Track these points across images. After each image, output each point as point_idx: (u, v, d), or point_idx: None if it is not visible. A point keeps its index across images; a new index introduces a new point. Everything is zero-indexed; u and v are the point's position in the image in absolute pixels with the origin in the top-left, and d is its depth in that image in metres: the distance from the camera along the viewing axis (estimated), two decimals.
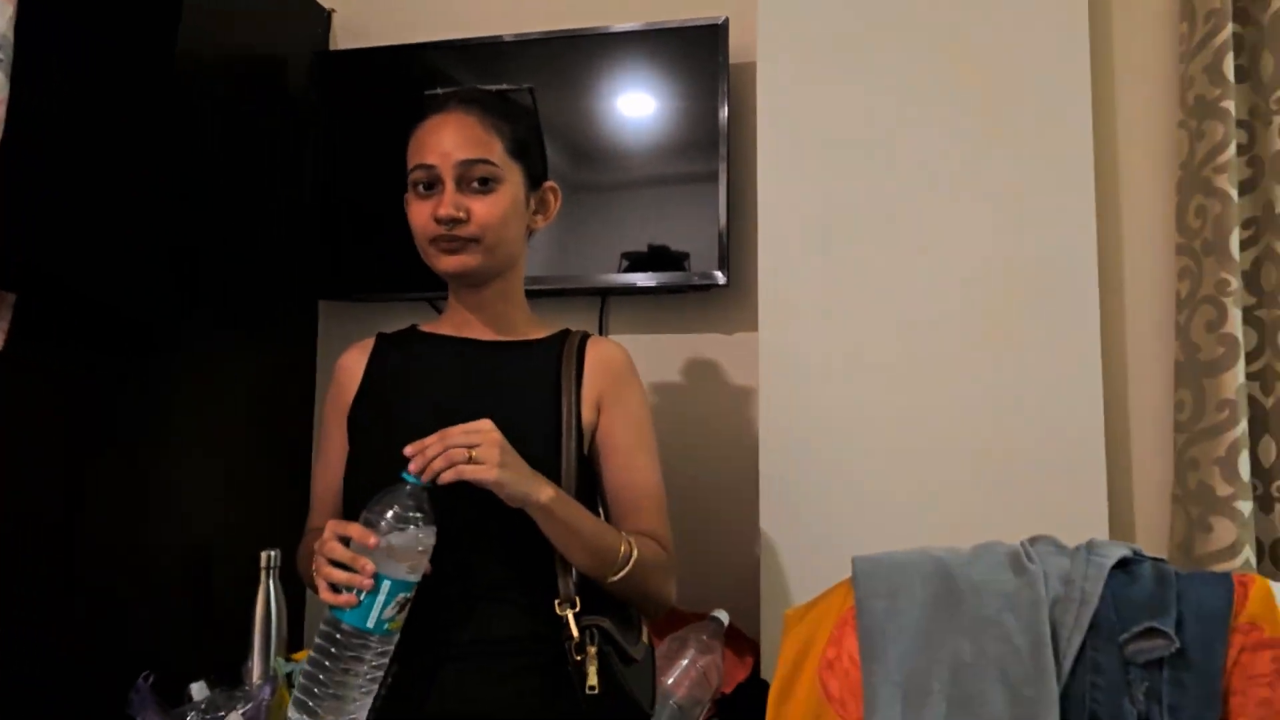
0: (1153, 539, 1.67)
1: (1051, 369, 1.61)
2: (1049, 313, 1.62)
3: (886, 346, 1.66)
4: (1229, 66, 1.62)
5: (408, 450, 1.10)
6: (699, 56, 1.86)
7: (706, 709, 1.52)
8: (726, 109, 1.83)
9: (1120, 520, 1.68)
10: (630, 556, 1.21)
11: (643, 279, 1.86)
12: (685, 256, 1.84)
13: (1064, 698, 1.07)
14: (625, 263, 1.88)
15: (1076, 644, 1.08)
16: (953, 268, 1.65)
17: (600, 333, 1.94)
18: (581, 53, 1.92)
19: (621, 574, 1.20)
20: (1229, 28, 1.62)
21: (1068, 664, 1.08)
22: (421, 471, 1.09)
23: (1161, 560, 1.18)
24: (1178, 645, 1.07)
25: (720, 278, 1.81)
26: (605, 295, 1.96)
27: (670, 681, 1.50)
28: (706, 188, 1.83)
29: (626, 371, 1.34)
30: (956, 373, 1.63)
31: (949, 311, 1.64)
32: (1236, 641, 1.07)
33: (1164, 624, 1.07)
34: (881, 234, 1.68)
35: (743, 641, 1.67)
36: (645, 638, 1.32)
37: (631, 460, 1.31)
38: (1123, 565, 1.15)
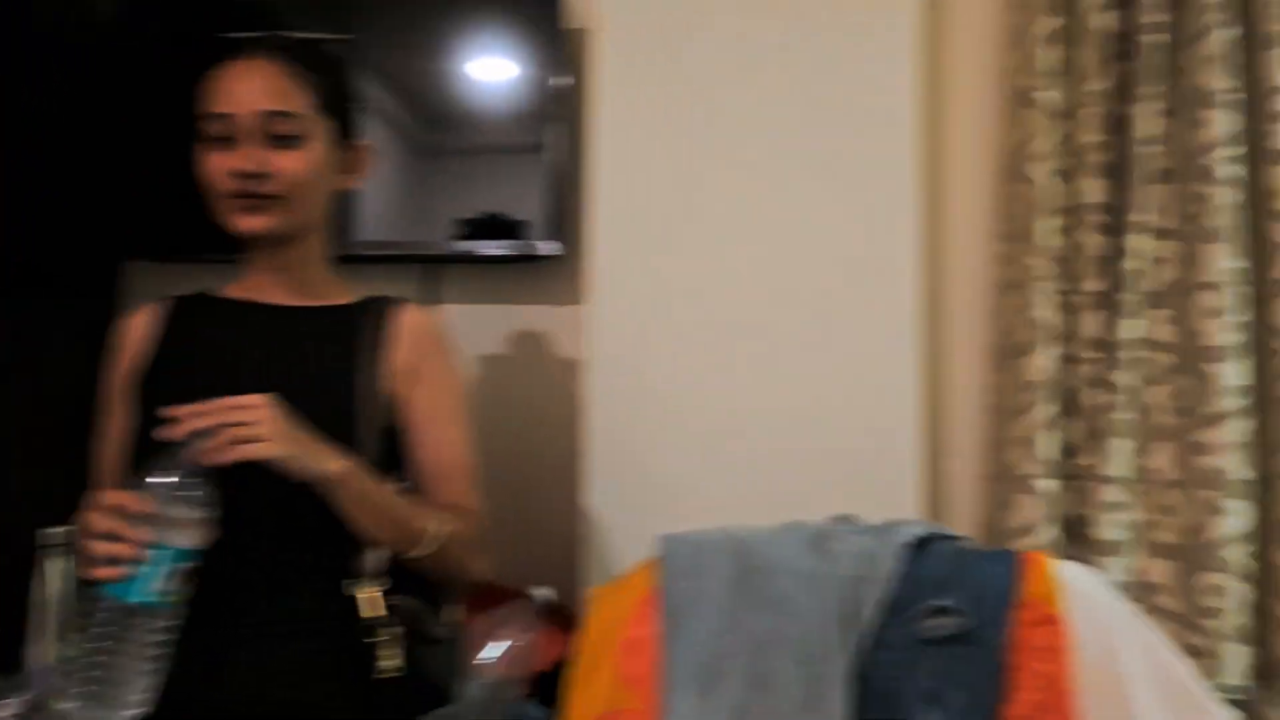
0: (964, 517, 1.73)
1: (870, 351, 1.64)
2: (871, 294, 1.65)
3: (713, 325, 1.66)
4: (1046, 58, 1.67)
5: (176, 413, 1.01)
6: (539, 20, 1.81)
7: (522, 688, 1.49)
8: (564, 76, 1.78)
9: (934, 499, 1.73)
10: (434, 531, 1.16)
11: (476, 248, 1.80)
12: (519, 226, 1.80)
13: (858, 675, 1.09)
14: (458, 230, 1.82)
15: (871, 622, 1.10)
16: (781, 246, 1.66)
17: (431, 302, 1.87)
18: (422, 9, 1.84)
19: (425, 549, 1.16)
20: (1049, 20, 1.67)
21: (862, 641, 1.09)
22: (202, 444, 1.01)
23: (958, 538, 1.21)
24: (965, 622, 1.09)
25: (553, 249, 1.77)
26: (437, 263, 1.89)
27: (484, 660, 1.47)
28: (542, 156, 1.78)
29: (436, 339, 1.28)
30: (782, 351, 1.65)
31: (776, 288, 1.66)
32: (1019, 618, 1.10)
33: (953, 601, 1.09)
34: (711, 211, 1.68)
35: (565, 619, 1.65)
36: (456, 616, 1.28)
37: (441, 432, 1.26)
38: (922, 544, 1.18)
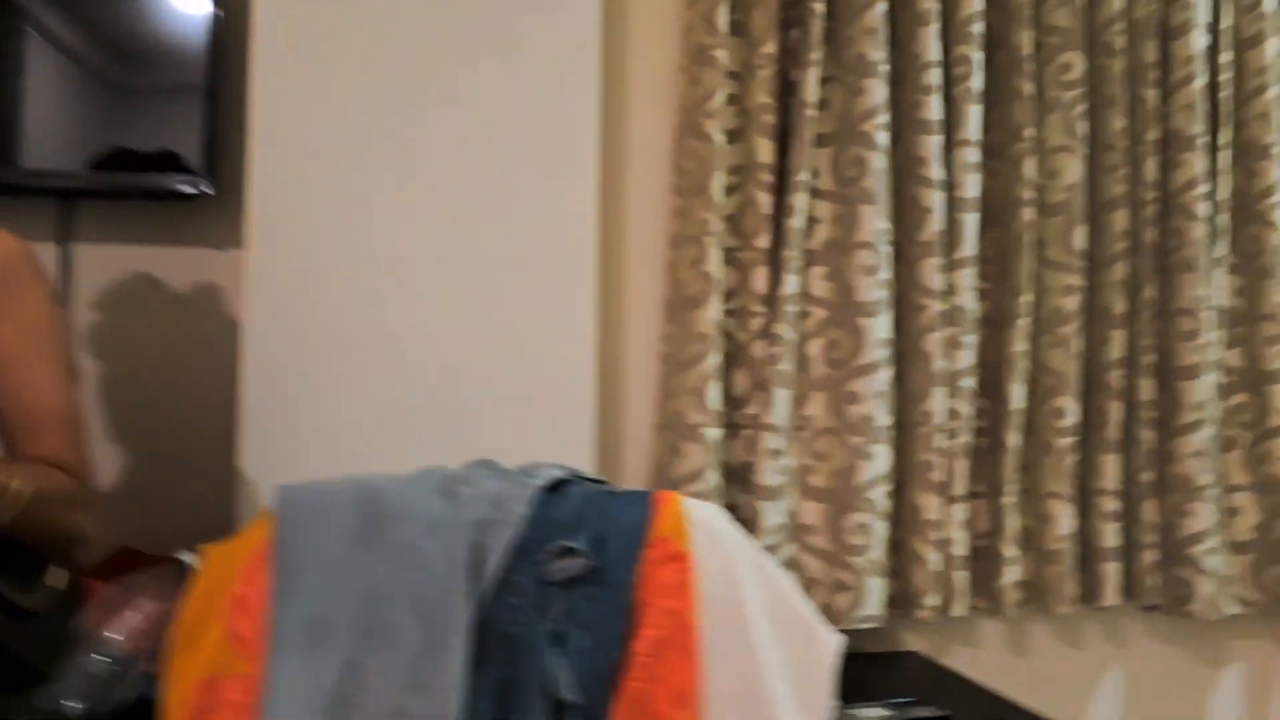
0: (637, 465, 1.76)
1: (549, 299, 1.62)
2: (551, 243, 1.63)
3: (382, 273, 1.58)
4: (722, 18, 1.70)
5: None
6: None
7: (157, 659, 1.37)
8: (222, 7, 1.64)
9: (610, 448, 1.74)
10: (15, 490, 1.03)
11: (118, 181, 1.63)
12: (170, 161, 1.64)
13: (485, 621, 1.06)
14: (99, 162, 1.64)
15: (498, 566, 1.07)
16: (457, 192, 1.61)
17: (64, 241, 1.68)
18: None
19: (4, 511, 1.03)
20: None
21: (489, 587, 1.07)
22: None
23: (598, 481, 1.22)
24: (595, 563, 1.09)
25: (206, 187, 1.63)
26: (71, 197, 1.70)
27: (111, 632, 1.33)
28: (198, 89, 1.64)
29: (19, 268, 1.13)
30: (457, 299, 1.60)
31: (450, 235, 1.60)
32: (649, 556, 1.12)
33: (579, 542, 1.08)
34: (383, 155, 1.59)
35: None
36: (64, 583, 1.15)
37: (28, 375, 1.12)
38: (559, 487, 1.16)
